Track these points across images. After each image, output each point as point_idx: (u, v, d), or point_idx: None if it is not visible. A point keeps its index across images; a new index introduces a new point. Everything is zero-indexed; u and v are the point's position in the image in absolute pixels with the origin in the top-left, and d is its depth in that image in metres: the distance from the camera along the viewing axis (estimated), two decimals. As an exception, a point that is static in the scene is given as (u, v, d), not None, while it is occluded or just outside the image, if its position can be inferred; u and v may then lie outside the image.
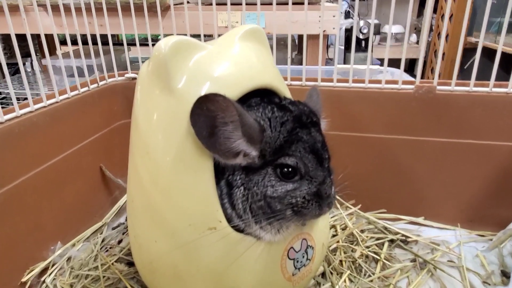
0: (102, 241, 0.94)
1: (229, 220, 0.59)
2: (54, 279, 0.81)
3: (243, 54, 0.65)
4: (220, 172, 0.58)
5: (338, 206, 0.98)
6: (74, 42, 0.97)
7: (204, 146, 0.54)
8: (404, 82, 0.93)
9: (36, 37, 1.96)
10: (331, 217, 0.96)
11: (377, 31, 2.76)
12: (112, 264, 0.84)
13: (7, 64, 0.78)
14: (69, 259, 0.86)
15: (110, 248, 0.92)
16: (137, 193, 0.64)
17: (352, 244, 0.86)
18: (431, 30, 2.95)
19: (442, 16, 2.72)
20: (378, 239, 0.88)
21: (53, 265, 0.84)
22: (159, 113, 0.60)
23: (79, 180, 0.95)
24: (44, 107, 0.86)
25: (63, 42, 0.96)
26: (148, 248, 0.65)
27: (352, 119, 0.97)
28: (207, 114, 0.52)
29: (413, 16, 3.10)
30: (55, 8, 0.90)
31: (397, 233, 0.90)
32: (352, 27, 2.31)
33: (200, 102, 0.51)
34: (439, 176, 0.95)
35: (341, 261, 0.81)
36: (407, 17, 0.83)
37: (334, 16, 1.51)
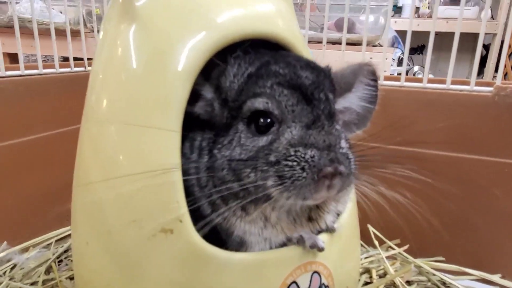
0: (66, 251, 0.74)
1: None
2: (-16, 289, 0.62)
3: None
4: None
5: (376, 243, 0.72)
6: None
7: None
8: (479, 83, 0.69)
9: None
10: (365, 258, 0.70)
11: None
12: (60, 281, 0.63)
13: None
14: (14, 266, 0.67)
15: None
16: (77, 169, 0.45)
17: (393, 298, 0.61)
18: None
19: (505, 75, 2.57)
20: (432, 296, 0.64)
21: (-12, 271, 0.65)
22: (114, 48, 0.41)
23: (51, 170, 0.77)
24: (21, 75, 0.72)
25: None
26: (80, 254, 0.44)
27: (403, 129, 0.74)
28: None
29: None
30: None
31: (460, 293, 0.65)
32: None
33: None
34: (527, 216, 0.68)
35: (374, 320, 0.56)
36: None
37: (386, 59, 1.41)
